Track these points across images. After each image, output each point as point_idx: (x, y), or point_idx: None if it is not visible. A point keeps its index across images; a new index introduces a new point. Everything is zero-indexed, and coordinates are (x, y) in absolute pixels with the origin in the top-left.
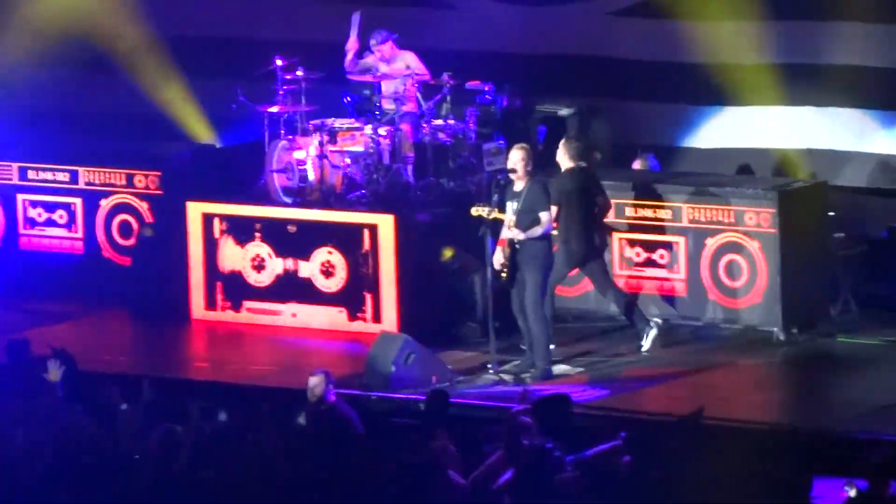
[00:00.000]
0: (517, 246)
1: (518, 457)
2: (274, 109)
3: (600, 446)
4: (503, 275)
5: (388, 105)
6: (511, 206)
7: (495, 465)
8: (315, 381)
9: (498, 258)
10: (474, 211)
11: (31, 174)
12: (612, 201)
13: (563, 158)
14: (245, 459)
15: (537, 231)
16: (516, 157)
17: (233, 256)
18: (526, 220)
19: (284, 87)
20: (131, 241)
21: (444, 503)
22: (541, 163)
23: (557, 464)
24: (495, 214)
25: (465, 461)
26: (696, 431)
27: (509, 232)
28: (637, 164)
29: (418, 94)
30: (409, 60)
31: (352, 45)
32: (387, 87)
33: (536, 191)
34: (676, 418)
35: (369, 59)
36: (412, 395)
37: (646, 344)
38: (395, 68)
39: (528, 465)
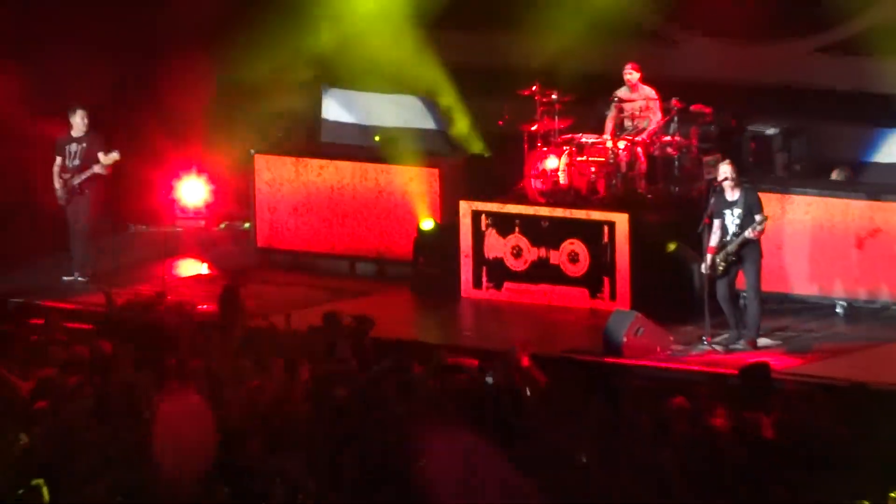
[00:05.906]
0: (744, 243)
1: None
2: (533, 127)
3: None
4: (720, 268)
5: (627, 124)
6: (730, 212)
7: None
8: None
9: (711, 264)
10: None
11: None
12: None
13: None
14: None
15: (760, 228)
16: (728, 170)
17: (496, 246)
18: (748, 221)
19: (541, 108)
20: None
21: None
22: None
23: None
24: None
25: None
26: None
27: (747, 234)
28: (834, 175)
29: (651, 116)
30: (648, 93)
31: None
32: (628, 109)
33: (752, 195)
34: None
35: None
36: (642, 361)
37: None
38: (637, 96)
39: None
